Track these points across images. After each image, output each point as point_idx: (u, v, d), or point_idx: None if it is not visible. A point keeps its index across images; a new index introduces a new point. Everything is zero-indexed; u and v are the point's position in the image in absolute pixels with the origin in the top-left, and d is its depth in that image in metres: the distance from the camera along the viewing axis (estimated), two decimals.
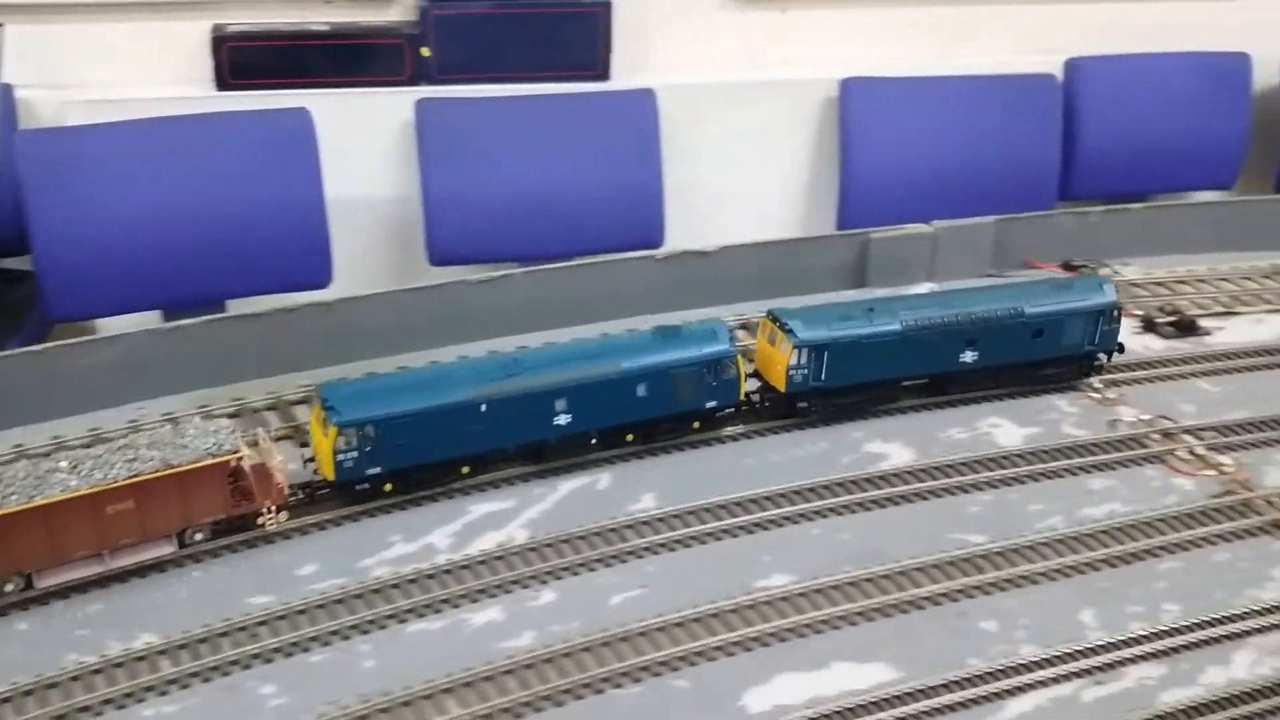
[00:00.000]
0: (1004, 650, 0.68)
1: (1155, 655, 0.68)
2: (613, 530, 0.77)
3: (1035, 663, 0.67)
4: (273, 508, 0.69)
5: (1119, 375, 0.96)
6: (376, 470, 0.71)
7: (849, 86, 3.00)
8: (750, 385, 0.82)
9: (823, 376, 0.81)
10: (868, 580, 0.73)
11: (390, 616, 0.70)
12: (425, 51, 2.93)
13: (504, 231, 2.86)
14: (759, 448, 0.85)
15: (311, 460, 0.74)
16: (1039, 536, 0.77)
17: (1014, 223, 1.17)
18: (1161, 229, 1.18)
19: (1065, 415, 0.92)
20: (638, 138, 3.07)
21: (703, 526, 0.77)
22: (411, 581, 0.72)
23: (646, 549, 0.76)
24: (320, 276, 2.13)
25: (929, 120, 2.98)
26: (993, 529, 0.78)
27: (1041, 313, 0.87)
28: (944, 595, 0.72)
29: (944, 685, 0.65)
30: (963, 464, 0.84)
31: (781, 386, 0.81)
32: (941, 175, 2.80)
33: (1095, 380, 0.95)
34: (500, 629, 0.70)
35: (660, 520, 0.78)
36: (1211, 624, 0.70)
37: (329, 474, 0.70)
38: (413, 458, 0.72)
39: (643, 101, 3.09)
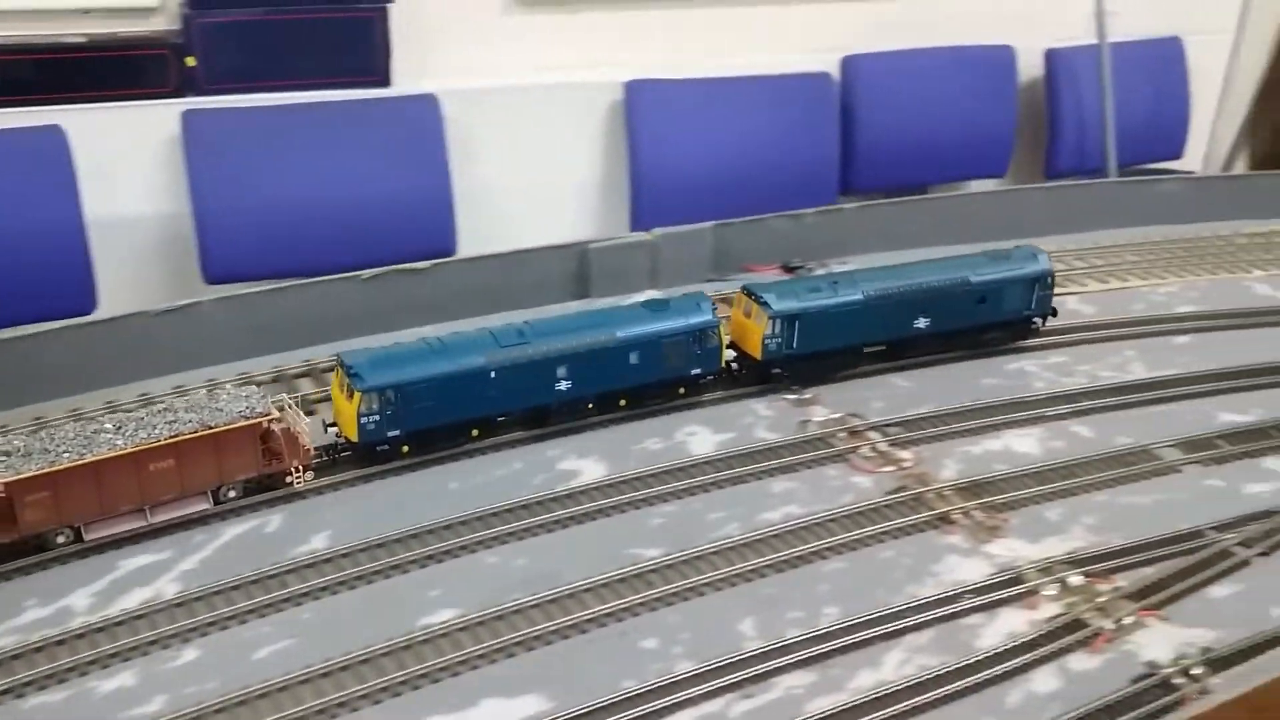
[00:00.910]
0: (660, 669, 0.67)
1: (808, 662, 0.68)
2: (272, 577, 0.73)
3: (688, 679, 0.66)
4: (300, 467, 0.76)
5: (828, 378, 0.98)
6: (396, 433, 0.77)
7: (633, 89, 3.02)
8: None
9: (794, 344, 0.89)
10: (535, 607, 0.71)
11: (6, 691, 0.65)
12: (190, 61, 2.80)
13: (285, 245, 2.75)
14: (439, 476, 0.82)
15: (333, 425, 0.79)
16: (712, 546, 0.78)
17: (731, 227, 1.18)
18: (870, 227, 1.22)
19: (760, 419, 0.93)
20: (422, 143, 3.01)
21: (371, 565, 0.74)
22: (38, 650, 0.67)
23: (306, 594, 0.72)
24: (82, 303, 2.00)
25: (713, 120, 3.03)
26: (671, 541, 0.78)
27: (984, 281, 0.95)
28: (609, 615, 0.71)
29: (593, 713, 0.64)
30: (651, 476, 0.84)
31: (758, 355, 0.89)
32: (728, 173, 2.85)
33: (793, 383, 0.97)
34: (130, 695, 0.66)
35: (326, 561, 0.74)
36: (867, 625, 0.70)
37: (352, 435, 0.77)
38: (429, 421, 0.77)
39: (425, 107, 3.03)
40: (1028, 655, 0.69)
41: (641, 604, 0.72)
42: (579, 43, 3.20)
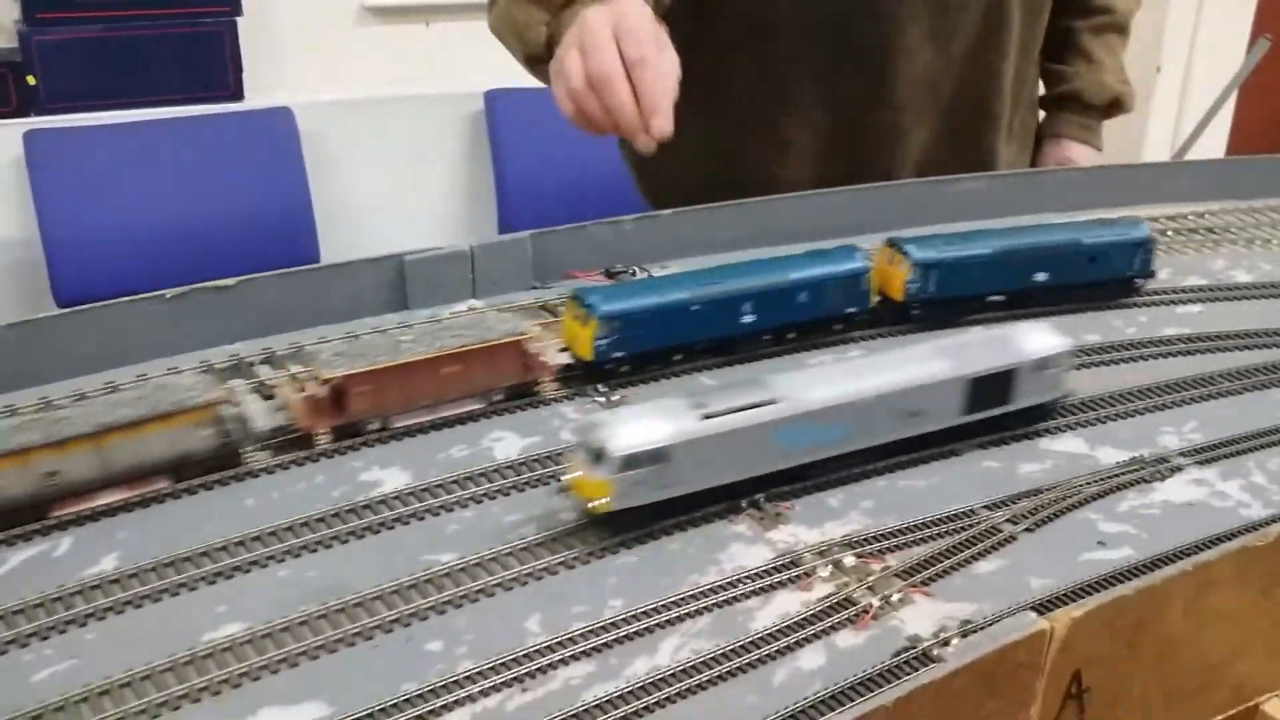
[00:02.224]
0: (443, 669, 0.68)
1: (588, 654, 0.70)
2: (56, 599, 0.72)
3: (469, 677, 0.68)
4: (545, 380, 0.90)
5: (633, 378, 1.00)
6: (620, 354, 0.90)
7: (493, 98, 3.03)
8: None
9: (931, 289, 1.02)
10: (322, 617, 0.72)
11: None
12: (31, 80, 2.72)
13: (140, 265, 2.69)
14: (235, 494, 0.82)
15: (564, 349, 0.92)
16: (506, 548, 0.79)
17: (551, 235, 1.20)
18: (686, 233, 1.25)
19: (568, 422, 0.94)
20: (277, 157, 2.97)
21: (159, 584, 0.74)
22: None
23: (91, 615, 0.72)
24: None
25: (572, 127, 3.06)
26: (466, 546, 0.80)
27: (1094, 243, 1.10)
28: (395, 621, 0.72)
29: (371, 715, 0.65)
30: (452, 482, 0.85)
31: (899, 297, 1.03)
32: (594, 178, 2.88)
33: (601, 386, 0.99)
34: None
35: (113, 582, 0.74)
36: (648, 614, 0.73)
37: (586, 356, 0.89)
38: (644, 345, 0.91)
39: (279, 120, 3.00)
40: (797, 634, 0.72)
41: (430, 608, 0.73)
42: (437, 53, 3.20)
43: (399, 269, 1.12)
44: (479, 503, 0.84)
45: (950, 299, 1.04)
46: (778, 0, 1.39)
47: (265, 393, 0.88)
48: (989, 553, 0.80)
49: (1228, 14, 3.80)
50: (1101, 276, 1.12)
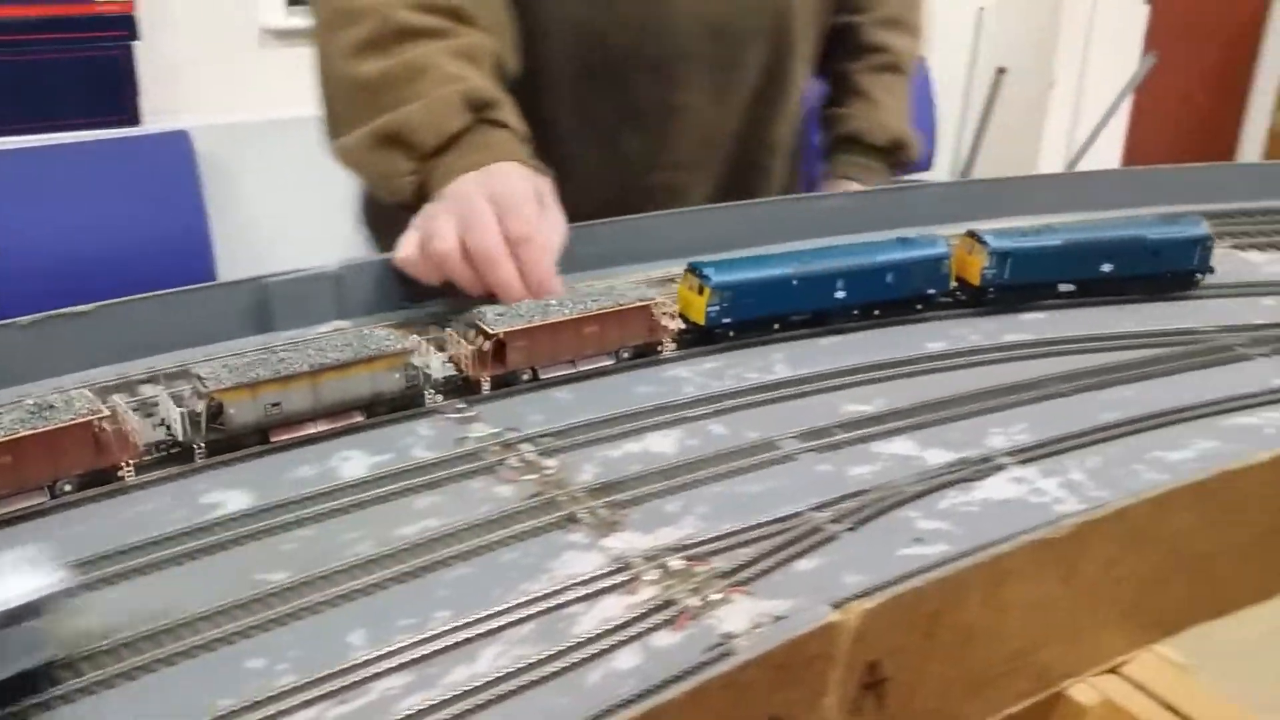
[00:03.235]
0: (261, 685, 0.70)
1: (408, 665, 0.72)
2: None
3: (286, 692, 0.69)
4: (666, 341, 1.04)
5: (484, 396, 1.02)
6: (729, 320, 1.01)
7: None
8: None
9: (1006, 275, 1.13)
10: (147, 638, 0.73)
11: None
12: None
13: (35, 292, 2.64)
14: (72, 518, 0.83)
15: (680, 315, 1.05)
16: (340, 565, 0.81)
17: None
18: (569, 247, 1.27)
19: (420, 439, 0.96)
20: (174, 181, 2.95)
21: None
22: None
23: None
24: None
25: None
26: (300, 565, 0.81)
27: (1157, 239, 1.19)
28: (219, 640, 0.73)
29: None
30: (294, 502, 0.87)
31: (976, 282, 1.13)
32: None
33: (460, 401, 1.01)
34: None
35: None
36: (472, 624, 0.75)
37: (700, 320, 1.01)
38: (750, 314, 1.01)
39: (176, 144, 2.98)
40: (616, 637, 0.74)
41: (255, 626, 0.74)
42: None
43: (262, 291, 1.13)
44: (319, 521, 0.86)
45: (1023, 284, 1.15)
46: (550, 51, 1.37)
47: (440, 346, 1.00)
48: (809, 552, 0.83)
49: (1119, 31, 3.95)
50: (1164, 269, 1.20)
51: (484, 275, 1.08)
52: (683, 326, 1.05)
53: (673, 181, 1.47)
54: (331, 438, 0.94)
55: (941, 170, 3.82)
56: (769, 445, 0.98)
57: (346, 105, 1.24)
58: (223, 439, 0.84)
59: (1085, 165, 3.64)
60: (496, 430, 0.98)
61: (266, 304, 1.13)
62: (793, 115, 1.54)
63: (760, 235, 1.34)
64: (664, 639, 0.74)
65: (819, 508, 0.89)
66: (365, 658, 0.72)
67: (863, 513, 0.88)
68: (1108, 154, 3.95)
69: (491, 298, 1.08)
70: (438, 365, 0.94)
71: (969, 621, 0.74)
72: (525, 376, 0.97)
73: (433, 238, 1.10)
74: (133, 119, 2.90)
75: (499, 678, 0.71)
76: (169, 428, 0.84)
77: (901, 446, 0.98)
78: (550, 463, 0.94)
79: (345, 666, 0.71)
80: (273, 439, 0.87)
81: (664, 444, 0.98)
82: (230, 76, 3.11)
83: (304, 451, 0.93)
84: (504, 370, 0.96)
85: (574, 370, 0.99)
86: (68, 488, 0.79)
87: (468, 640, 0.74)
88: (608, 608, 0.77)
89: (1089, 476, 0.93)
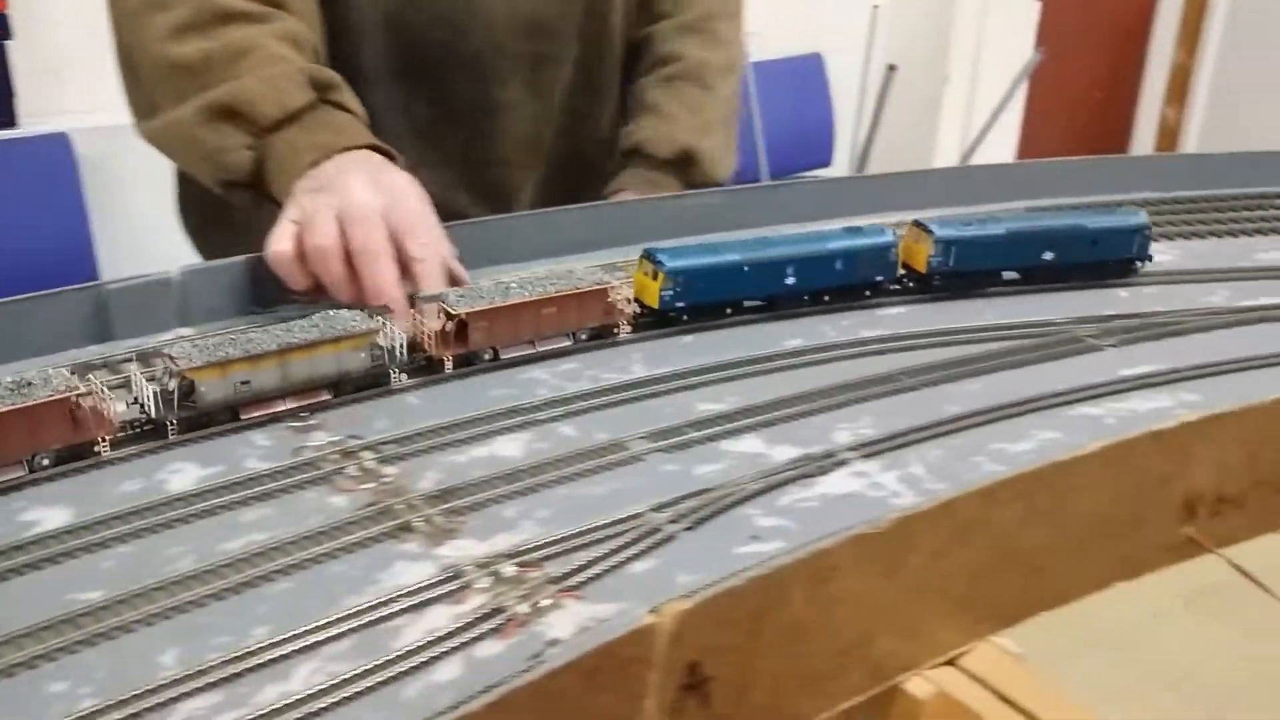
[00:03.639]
0: (63, 709, 0.67)
1: (219, 684, 0.70)
2: None
3: (86, 716, 0.67)
4: (623, 324, 1.06)
5: (335, 403, 1.00)
6: (682, 304, 1.03)
7: None
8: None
9: (951, 263, 1.15)
10: None
11: None
12: None
13: None
14: None
15: (635, 300, 1.06)
16: (156, 583, 0.78)
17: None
18: (487, 240, 1.25)
19: (255, 450, 0.94)
20: (54, 184, 2.87)
21: None
22: None
23: None
24: None
25: None
26: (115, 583, 0.78)
27: (1097, 228, 1.23)
28: (21, 664, 0.70)
29: None
30: (115, 518, 0.84)
31: (923, 269, 1.15)
32: None
33: (303, 410, 0.98)
34: None
35: None
36: (289, 640, 0.73)
37: (654, 304, 1.04)
38: (702, 298, 1.04)
39: (56, 146, 2.90)
40: (439, 648, 0.73)
41: (61, 648, 0.72)
42: None
43: (99, 299, 1.10)
44: (140, 537, 0.83)
45: (968, 272, 1.19)
46: (365, 47, 1.36)
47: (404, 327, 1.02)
48: (647, 553, 0.82)
49: (1011, 27, 4.03)
50: (1103, 258, 1.24)
51: (362, 273, 1.04)
52: (638, 310, 1.09)
53: (499, 178, 1.46)
54: (167, 449, 0.91)
55: (840, 165, 3.87)
56: (618, 446, 0.97)
57: (163, 86, 1.20)
58: (194, 416, 0.88)
59: (978, 159, 3.72)
60: (337, 438, 0.96)
61: (105, 312, 1.10)
62: (617, 111, 1.52)
63: (624, 235, 1.33)
64: (489, 648, 0.73)
65: (659, 508, 0.88)
66: (174, 677, 0.70)
67: (702, 512, 0.87)
68: (1003, 148, 4.03)
69: (355, 305, 1.04)
70: (402, 344, 0.97)
71: (795, 618, 0.74)
72: (487, 356, 1.01)
73: (311, 232, 1.06)
74: (9, 121, 2.80)
75: (310, 695, 0.69)
76: (142, 405, 0.87)
77: (749, 444, 0.98)
78: (390, 470, 0.92)
79: (151, 687, 0.69)
80: (243, 416, 0.91)
81: (511, 448, 0.97)
82: (111, 77, 3.02)
83: (131, 465, 0.90)
84: (466, 350, 0.98)
85: (533, 350, 1.03)
86: (45, 462, 0.83)
87: (283, 657, 0.72)
88: (434, 618, 0.76)
89: (928, 470, 0.94)
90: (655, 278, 1.05)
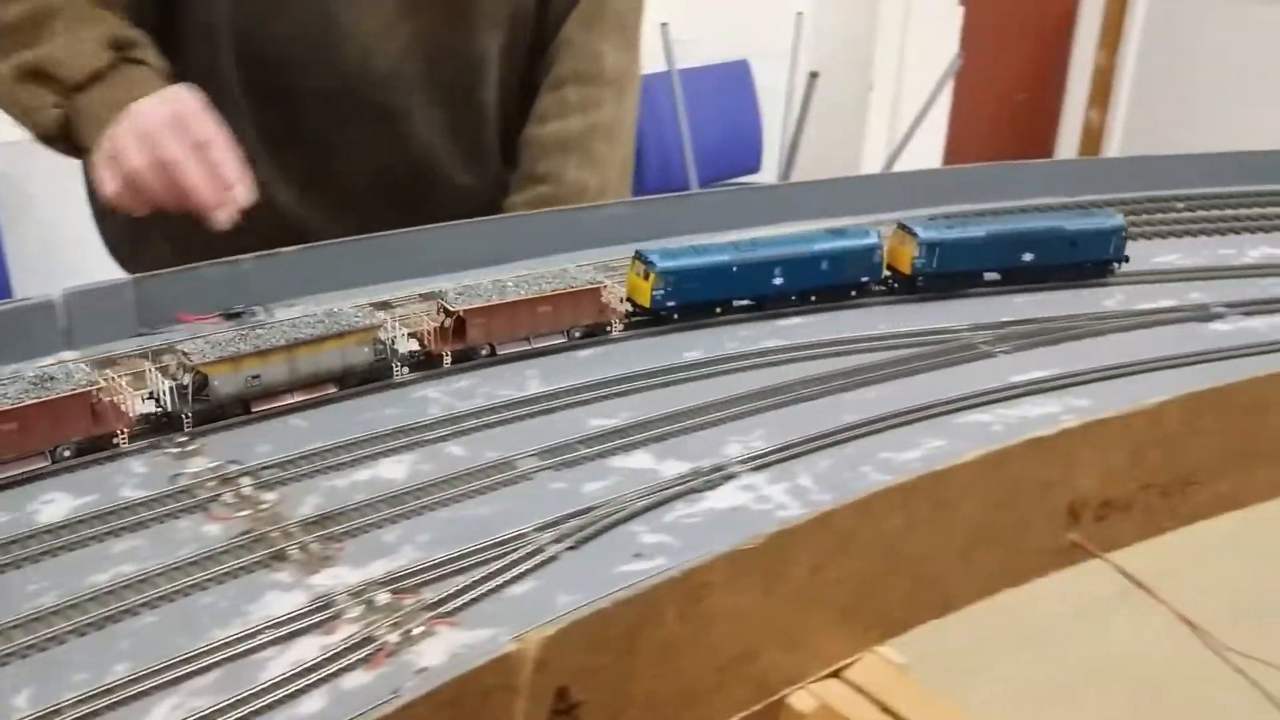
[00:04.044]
0: None
1: None
2: None
3: None
4: (615, 323, 1.10)
5: (219, 427, 0.98)
6: (673, 304, 1.05)
7: None
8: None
9: (935, 265, 1.18)
10: None
11: None
12: None
13: None
14: None
15: (628, 299, 1.08)
16: (15, 619, 0.75)
17: (157, 279, 1.16)
18: (318, 270, 1.23)
19: (132, 478, 0.91)
20: None
21: None
22: None
23: None
24: None
25: None
26: None
27: (1075, 230, 1.25)
28: None
29: None
30: None
31: (908, 271, 1.18)
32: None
33: (180, 436, 0.96)
34: None
35: None
36: (149, 676, 0.71)
37: (646, 303, 1.09)
38: (692, 298, 1.07)
39: None
40: (304, 680, 0.71)
41: None
42: None
43: None
44: (1, 573, 0.80)
45: (950, 273, 1.22)
46: (209, 54, 1.38)
47: (406, 323, 1.04)
48: (527, 575, 0.82)
49: (934, 33, 4.08)
50: (1081, 259, 1.27)
51: (177, 180, 1.17)
52: (631, 309, 1.12)
53: (349, 202, 1.47)
54: (40, 478, 0.89)
55: (769, 171, 3.89)
56: (506, 465, 0.96)
57: None
58: (207, 409, 0.91)
59: (903, 164, 3.76)
60: (216, 464, 0.94)
61: None
62: (490, 165, 1.53)
63: (517, 250, 1.32)
64: (356, 679, 0.72)
65: (543, 527, 0.87)
66: (26, 718, 0.67)
67: (586, 531, 0.87)
68: (929, 153, 4.08)
69: (190, 216, 1.18)
70: (403, 341, 1.01)
71: (669, 637, 0.74)
72: (484, 352, 1.04)
73: (121, 159, 1.18)
74: None
75: None
76: (157, 399, 0.90)
77: (639, 460, 0.98)
78: (269, 496, 0.90)
79: None
80: (254, 409, 0.94)
81: (395, 470, 0.95)
82: None
83: (3, 496, 0.87)
84: (464, 345, 1.02)
85: (529, 347, 1.06)
86: (67, 453, 0.87)
87: (142, 694, 0.70)
88: (303, 649, 0.74)
89: (816, 481, 0.94)
90: (647, 278, 1.08)
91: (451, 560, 0.83)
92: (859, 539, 0.82)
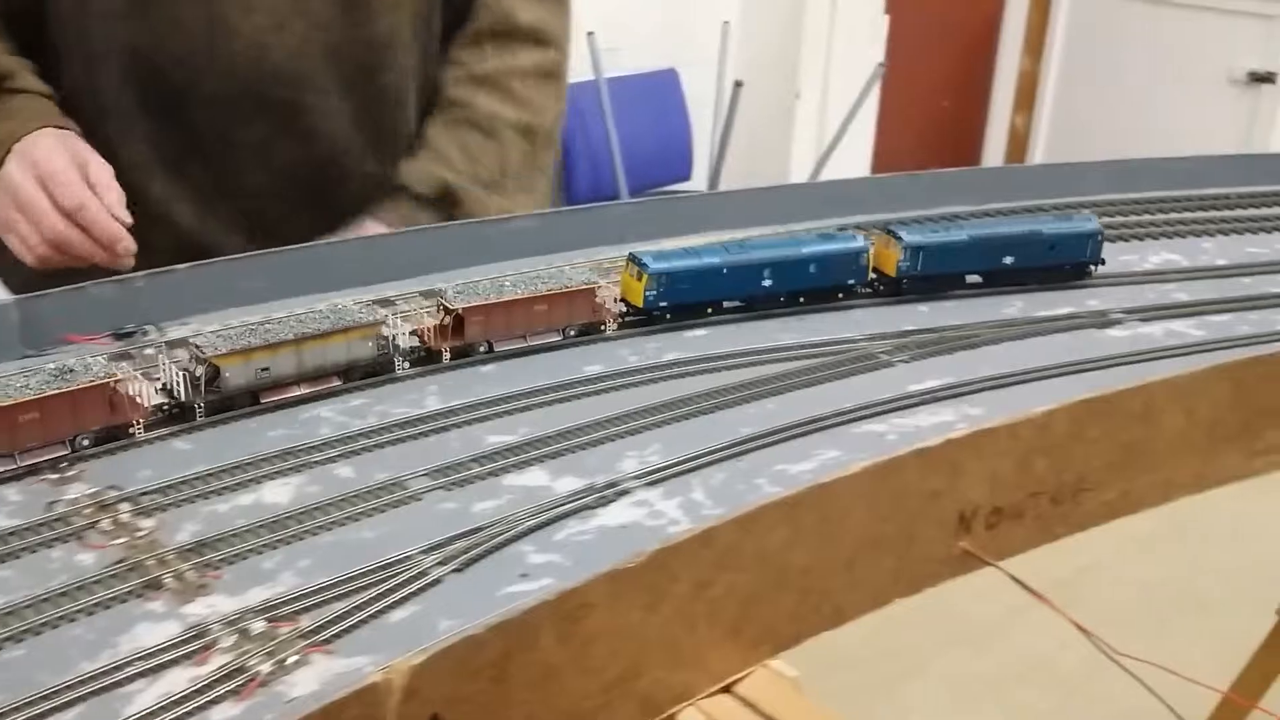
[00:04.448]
0: None
1: None
2: None
3: None
4: (610, 321, 1.14)
5: (99, 451, 0.95)
6: (665, 304, 1.12)
7: None
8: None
9: (919, 267, 1.18)
10: None
11: None
12: None
13: None
14: None
15: (622, 299, 1.09)
16: None
17: (42, 300, 1.13)
18: (208, 287, 1.21)
19: (5, 506, 0.89)
20: None
21: None
22: None
23: None
24: None
25: None
26: None
27: (1053, 233, 1.28)
28: None
29: None
30: None
31: (892, 274, 1.20)
32: None
33: (62, 460, 0.93)
34: None
35: None
36: (10, 713, 0.69)
37: (639, 303, 1.13)
38: (683, 298, 1.14)
39: None
40: (171, 714, 0.69)
41: None
42: None
43: None
44: None
45: (934, 275, 1.25)
46: (107, 78, 1.35)
47: (407, 319, 1.08)
48: (409, 599, 0.80)
49: (860, 41, 4.13)
50: (1059, 261, 1.30)
51: (61, 250, 1.19)
52: (624, 309, 1.16)
53: (252, 211, 1.45)
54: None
55: (700, 180, 3.90)
56: (396, 486, 0.95)
57: None
58: (218, 400, 0.94)
59: (832, 170, 3.80)
60: (95, 489, 0.91)
61: None
62: (401, 150, 1.50)
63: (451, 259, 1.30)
64: (226, 711, 0.70)
65: (430, 549, 0.86)
66: None
67: (473, 552, 0.86)
68: (858, 158, 4.12)
69: (97, 268, 1.19)
70: (404, 337, 1.04)
71: (546, 660, 0.73)
72: (482, 349, 1.06)
73: (8, 233, 1.20)
74: None
75: None
76: (170, 391, 0.93)
77: (533, 477, 0.97)
78: (147, 523, 0.88)
79: None
80: (262, 400, 0.97)
81: (280, 493, 0.93)
82: None
83: None
84: (463, 342, 1.05)
85: (525, 344, 1.09)
86: (85, 442, 0.90)
87: None
88: (172, 682, 0.72)
89: (709, 495, 0.94)
90: (640, 279, 1.12)
91: (331, 586, 0.82)
92: (743, 554, 0.82)
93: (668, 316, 1.15)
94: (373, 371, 1.02)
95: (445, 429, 1.04)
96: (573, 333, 1.10)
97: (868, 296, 1.28)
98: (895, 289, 1.24)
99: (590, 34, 3.55)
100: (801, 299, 1.20)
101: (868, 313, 1.29)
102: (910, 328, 1.27)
